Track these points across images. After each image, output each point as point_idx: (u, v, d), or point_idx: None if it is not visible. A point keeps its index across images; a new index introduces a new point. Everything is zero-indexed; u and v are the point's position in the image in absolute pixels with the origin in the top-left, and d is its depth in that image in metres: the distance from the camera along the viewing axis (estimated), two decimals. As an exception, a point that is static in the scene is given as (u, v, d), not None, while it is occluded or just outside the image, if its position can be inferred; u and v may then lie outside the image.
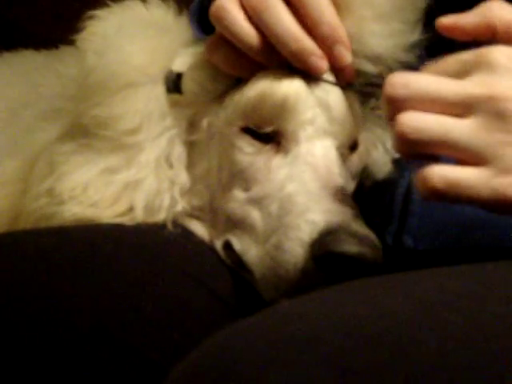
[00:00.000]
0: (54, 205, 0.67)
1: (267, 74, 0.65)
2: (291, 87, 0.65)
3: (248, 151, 0.66)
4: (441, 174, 0.49)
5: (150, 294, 0.59)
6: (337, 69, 0.66)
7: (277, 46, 0.63)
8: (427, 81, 0.51)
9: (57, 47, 1.04)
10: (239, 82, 0.67)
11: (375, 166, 0.75)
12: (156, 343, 0.56)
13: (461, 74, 0.51)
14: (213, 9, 0.64)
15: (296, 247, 0.59)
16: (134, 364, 0.55)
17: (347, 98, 0.68)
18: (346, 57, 0.64)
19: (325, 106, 0.66)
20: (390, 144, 0.75)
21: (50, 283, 0.57)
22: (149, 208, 0.68)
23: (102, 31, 0.70)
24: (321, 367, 0.41)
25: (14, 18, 1.25)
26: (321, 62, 0.64)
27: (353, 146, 0.70)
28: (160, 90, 0.68)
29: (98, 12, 0.72)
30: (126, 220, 0.67)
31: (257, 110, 0.65)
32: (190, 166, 0.70)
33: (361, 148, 0.71)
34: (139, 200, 0.67)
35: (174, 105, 0.69)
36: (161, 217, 0.68)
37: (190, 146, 0.70)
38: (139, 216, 0.67)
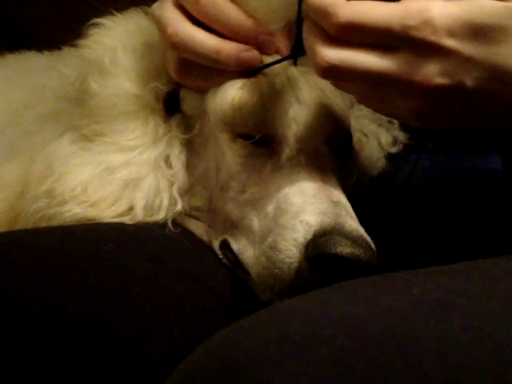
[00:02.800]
0: (54, 205, 0.67)
1: (234, 83, 0.65)
2: (263, 90, 0.65)
3: (242, 154, 0.67)
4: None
5: (149, 292, 0.59)
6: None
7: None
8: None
9: (59, 49, 1.04)
10: None
11: (368, 162, 0.76)
12: (156, 340, 0.56)
13: None
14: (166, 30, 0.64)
15: (291, 247, 0.59)
16: (134, 360, 0.55)
17: (327, 93, 0.67)
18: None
19: (302, 102, 0.66)
20: (384, 140, 0.76)
21: (51, 282, 0.57)
22: (148, 207, 0.68)
23: (105, 42, 0.72)
24: (321, 366, 0.41)
25: (17, 19, 1.25)
26: (251, 53, 0.64)
27: (348, 148, 0.70)
28: (156, 114, 0.70)
29: (103, 20, 0.73)
30: (126, 219, 0.67)
31: (237, 120, 0.66)
32: (190, 167, 0.70)
33: (356, 147, 0.71)
34: (139, 199, 0.68)
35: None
36: (160, 216, 0.68)
37: (189, 147, 0.71)
38: (139, 215, 0.68)
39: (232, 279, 0.67)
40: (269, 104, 0.65)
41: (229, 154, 0.67)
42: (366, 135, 0.76)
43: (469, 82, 0.54)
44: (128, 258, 0.61)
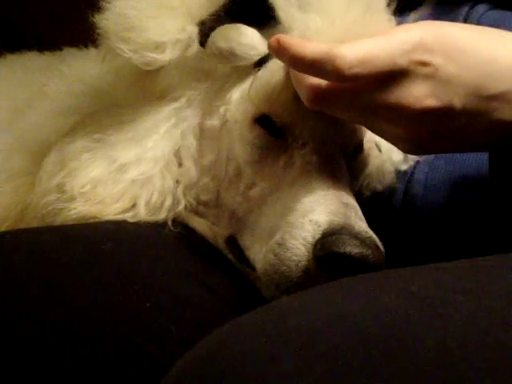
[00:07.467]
0: (63, 201, 0.67)
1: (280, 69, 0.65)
2: None
3: (257, 144, 0.67)
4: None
5: (148, 290, 0.59)
6: None
7: None
8: None
9: (60, 49, 1.04)
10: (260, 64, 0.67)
11: (377, 173, 0.76)
12: (154, 338, 0.56)
13: None
14: None
15: (299, 246, 0.59)
16: (132, 359, 0.55)
17: None
18: None
19: None
20: (395, 156, 0.76)
21: (50, 281, 0.58)
22: (151, 206, 0.68)
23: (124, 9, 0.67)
24: (318, 364, 0.41)
25: (19, 20, 1.26)
26: None
27: (358, 148, 0.70)
28: (195, 30, 0.67)
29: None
30: (128, 217, 0.68)
31: (272, 99, 0.65)
32: (199, 156, 0.70)
33: (366, 151, 0.71)
34: (143, 198, 0.68)
35: (195, 67, 0.69)
36: (162, 216, 0.68)
37: (202, 135, 0.70)
38: (141, 213, 0.68)
39: (232, 277, 0.66)
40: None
41: (243, 144, 0.67)
42: (379, 148, 0.76)
43: (457, 102, 0.54)
44: (127, 256, 0.61)
